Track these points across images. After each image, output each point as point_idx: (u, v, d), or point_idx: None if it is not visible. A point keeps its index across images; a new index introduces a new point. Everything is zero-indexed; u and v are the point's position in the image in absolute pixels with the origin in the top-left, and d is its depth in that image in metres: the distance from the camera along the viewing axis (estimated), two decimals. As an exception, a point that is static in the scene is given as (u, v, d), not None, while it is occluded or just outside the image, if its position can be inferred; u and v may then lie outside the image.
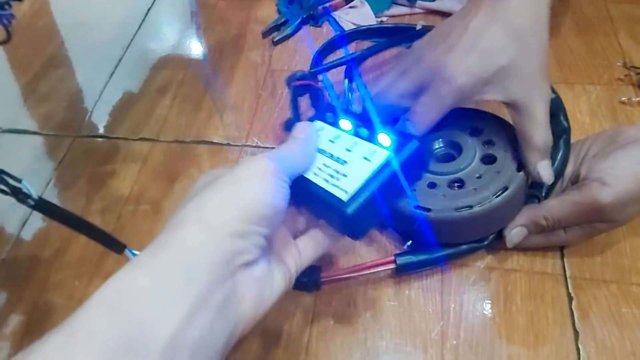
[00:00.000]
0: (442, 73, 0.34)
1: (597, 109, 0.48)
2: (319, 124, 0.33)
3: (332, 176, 0.29)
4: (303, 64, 0.56)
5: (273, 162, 0.26)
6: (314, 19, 0.61)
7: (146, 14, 0.66)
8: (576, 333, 0.35)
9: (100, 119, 0.54)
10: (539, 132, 0.35)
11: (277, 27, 0.60)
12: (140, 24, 0.65)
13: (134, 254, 0.32)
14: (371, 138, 0.30)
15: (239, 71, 0.57)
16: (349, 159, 0.29)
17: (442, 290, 0.38)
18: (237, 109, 0.52)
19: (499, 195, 0.35)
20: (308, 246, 0.31)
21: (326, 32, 0.60)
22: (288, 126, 0.46)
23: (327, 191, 0.28)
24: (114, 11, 0.67)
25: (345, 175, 0.29)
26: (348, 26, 0.59)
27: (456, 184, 0.37)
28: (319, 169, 0.30)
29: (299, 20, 0.60)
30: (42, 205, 0.29)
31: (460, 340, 0.35)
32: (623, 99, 0.48)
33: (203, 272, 0.23)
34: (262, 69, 0.56)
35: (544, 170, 0.35)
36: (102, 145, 0.52)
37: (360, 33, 0.57)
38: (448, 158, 0.39)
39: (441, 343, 0.35)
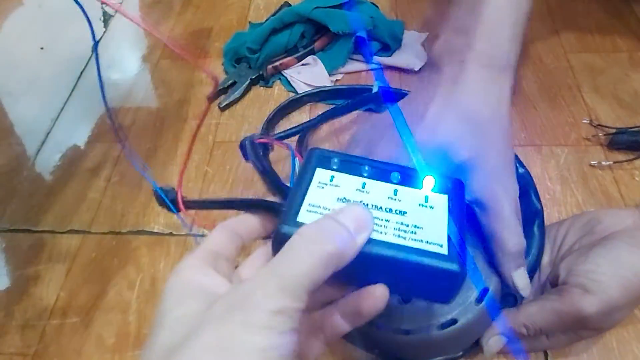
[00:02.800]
0: None
1: (567, 174, 0.45)
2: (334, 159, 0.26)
3: (401, 230, 0.23)
4: (252, 133, 0.51)
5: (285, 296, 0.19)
6: (264, 79, 0.56)
7: (76, 82, 0.60)
8: None
9: (23, 207, 0.48)
10: (509, 234, 0.31)
11: (223, 90, 0.55)
12: (71, 92, 0.59)
13: None
14: (408, 182, 0.26)
15: (183, 144, 0.51)
16: (406, 209, 0.24)
17: (417, 408, 0.33)
18: (182, 189, 0.47)
19: (481, 299, 0.31)
20: (308, 343, 0.24)
21: (278, 92, 0.56)
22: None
23: (412, 249, 0.23)
24: (42, 79, 0.61)
25: (420, 228, 0.24)
26: (301, 87, 0.55)
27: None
28: (376, 225, 0.23)
29: (248, 81, 0.55)
30: None
31: None
32: (593, 162, 0.45)
33: None
34: (207, 141, 0.51)
35: (520, 280, 0.32)
36: (24, 240, 0.45)
37: (314, 96, 0.53)
38: None
39: None
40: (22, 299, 0.41)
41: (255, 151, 0.40)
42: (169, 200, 0.28)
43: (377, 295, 0.23)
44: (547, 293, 0.32)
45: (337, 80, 0.56)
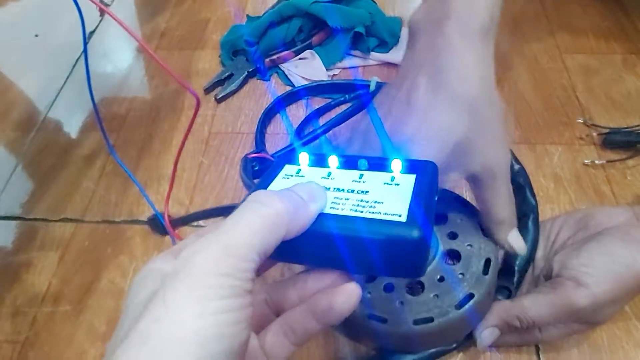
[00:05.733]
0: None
1: (560, 172, 0.46)
2: (304, 156, 0.27)
3: (360, 205, 0.23)
4: (249, 125, 0.51)
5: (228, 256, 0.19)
6: (261, 73, 0.56)
7: (71, 71, 0.60)
8: None
9: (15, 196, 0.47)
10: (502, 204, 0.31)
11: (220, 82, 0.55)
12: (66, 80, 0.58)
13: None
14: (376, 168, 0.25)
15: (178, 134, 0.51)
16: (369, 188, 0.24)
17: (410, 400, 0.33)
18: (176, 180, 0.46)
19: (462, 304, 0.31)
20: (278, 343, 0.23)
21: (274, 86, 0.55)
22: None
23: (368, 219, 0.22)
24: (37, 65, 0.61)
25: (380, 202, 0.23)
26: (298, 80, 0.55)
27: (415, 288, 0.33)
28: (333, 203, 0.23)
29: (245, 74, 0.55)
30: None
31: None
32: (586, 161, 0.46)
33: None
34: (203, 131, 0.51)
35: (515, 241, 0.32)
36: (18, 228, 0.45)
37: (311, 89, 0.53)
38: None
39: None
40: (13, 286, 0.41)
41: (245, 166, 0.40)
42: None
43: (349, 292, 0.22)
44: (541, 286, 0.33)
45: (334, 75, 0.56)
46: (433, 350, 0.33)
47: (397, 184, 0.24)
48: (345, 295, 0.22)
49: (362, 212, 0.22)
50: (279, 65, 0.56)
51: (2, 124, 0.54)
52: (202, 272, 0.18)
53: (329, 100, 0.52)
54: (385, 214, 0.22)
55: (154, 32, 0.63)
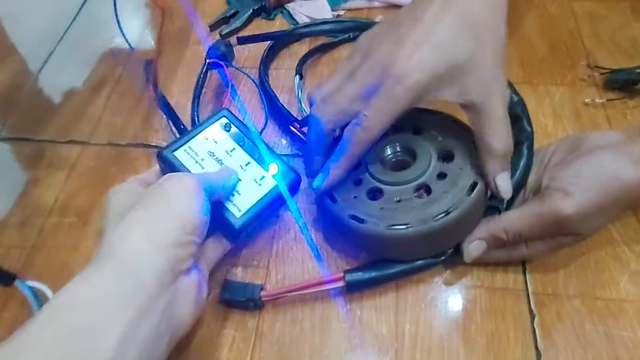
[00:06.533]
0: (393, 70, 0.31)
1: (560, 110, 0.46)
2: (224, 120, 0.37)
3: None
4: (252, 60, 0.51)
5: (196, 181, 0.30)
6: (265, 11, 0.56)
7: (82, 5, 0.60)
8: (538, 353, 0.32)
9: (24, 119, 0.49)
10: (498, 136, 0.32)
11: (225, 20, 0.55)
12: (76, 16, 0.59)
13: (28, 287, 0.28)
14: (261, 162, 0.35)
15: (183, 67, 0.52)
16: (243, 178, 0.34)
17: (397, 309, 0.35)
18: (179, 108, 0.47)
19: (450, 211, 0.32)
20: (212, 249, 0.34)
21: (279, 25, 0.56)
22: (303, 123, 0.43)
23: (225, 206, 0.33)
24: (47, 1, 0.61)
25: (239, 194, 0.34)
26: (303, 19, 0.55)
27: (413, 195, 0.34)
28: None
29: (250, 12, 0.55)
30: None
31: (416, 364, 0.32)
32: (587, 100, 0.46)
33: (151, 279, 0.26)
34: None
35: (503, 183, 0.33)
36: (25, 148, 0.46)
37: (315, 27, 0.53)
38: (399, 168, 0.36)
39: (395, 369, 0.32)
40: (21, 199, 0.42)
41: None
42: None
43: (224, 243, 0.34)
44: (529, 200, 0.33)
45: (338, 15, 0.56)
46: (419, 262, 0.34)
47: (260, 185, 0.34)
48: (222, 243, 0.35)
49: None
50: (285, 5, 0.56)
51: (11, 56, 0.56)
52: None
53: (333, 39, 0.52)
54: (234, 204, 0.33)
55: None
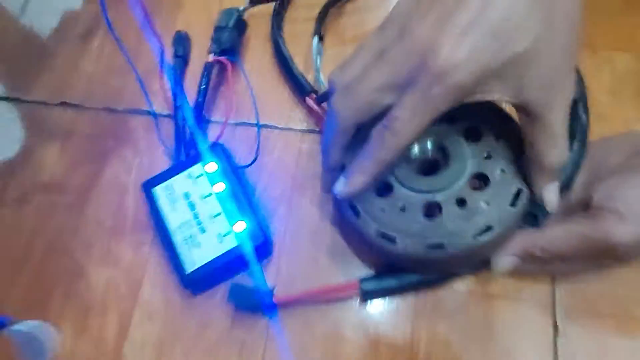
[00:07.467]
0: (434, 62, 0.24)
1: (619, 86, 0.39)
2: (213, 164, 0.35)
3: (190, 239, 0.33)
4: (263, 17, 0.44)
5: None
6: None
7: None
8: (558, 372, 0.31)
9: (10, 74, 0.44)
10: (554, 149, 0.27)
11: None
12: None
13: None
14: (231, 216, 0.33)
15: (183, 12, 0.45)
16: (207, 229, 0.33)
17: (414, 318, 0.33)
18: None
19: (492, 227, 0.28)
20: None
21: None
22: (322, 98, 0.38)
23: (179, 254, 0.33)
24: None
25: (199, 246, 0.33)
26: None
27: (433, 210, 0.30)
28: (183, 224, 0.34)
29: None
30: None
31: (430, 379, 0.31)
32: (659, 74, 0.39)
33: None
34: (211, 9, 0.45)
35: (550, 195, 0.29)
36: (16, 110, 0.42)
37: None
38: (428, 169, 0.32)
39: (408, 383, 0.31)
40: (15, 175, 0.40)
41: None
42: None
43: None
44: (576, 216, 0.29)
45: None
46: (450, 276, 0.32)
47: (221, 242, 0.33)
48: None
49: (187, 243, 0.33)
50: None
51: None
52: None
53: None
54: (189, 255, 0.33)
55: None
